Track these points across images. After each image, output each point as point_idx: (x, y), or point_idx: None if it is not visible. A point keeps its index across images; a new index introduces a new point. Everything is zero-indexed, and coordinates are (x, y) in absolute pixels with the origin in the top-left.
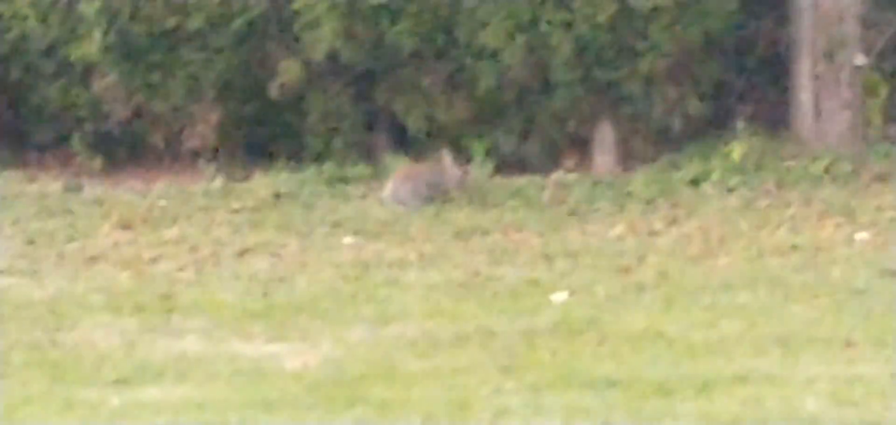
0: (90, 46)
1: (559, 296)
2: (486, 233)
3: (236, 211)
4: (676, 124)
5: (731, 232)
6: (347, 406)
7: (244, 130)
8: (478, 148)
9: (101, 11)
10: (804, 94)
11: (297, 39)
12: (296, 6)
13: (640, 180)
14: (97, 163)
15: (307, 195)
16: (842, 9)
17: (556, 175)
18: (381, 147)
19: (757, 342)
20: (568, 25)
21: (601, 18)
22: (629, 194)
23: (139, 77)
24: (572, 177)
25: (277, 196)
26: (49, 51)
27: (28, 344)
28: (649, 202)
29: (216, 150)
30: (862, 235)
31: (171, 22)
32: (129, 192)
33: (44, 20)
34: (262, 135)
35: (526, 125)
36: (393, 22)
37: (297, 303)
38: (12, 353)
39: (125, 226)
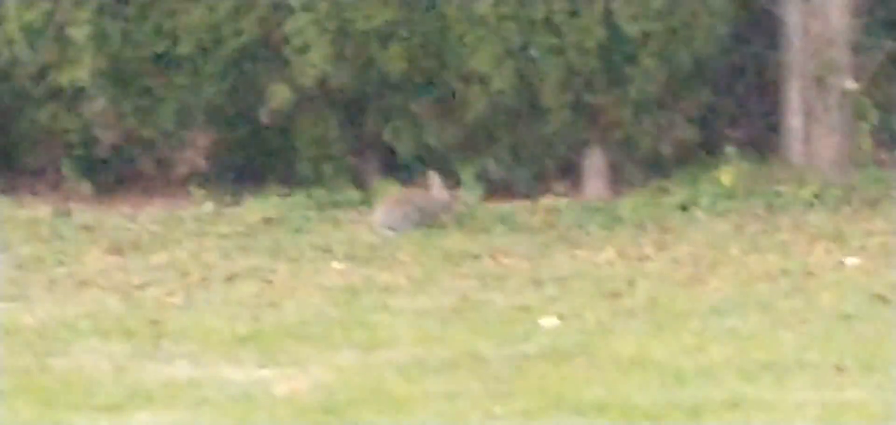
0: (80, 71)
1: (549, 322)
2: (475, 258)
3: (226, 236)
4: (666, 149)
5: (720, 257)
6: None
7: (234, 155)
8: (467, 173)
9: (91, 36)
10: (794, 119)
11: (286, 64)
12: (286, 31)
13: (629, 205)
14: (87, 187)
15: (297, 220)
16: (832, 34)
17: (546, 200)
18: (370, 172)
19: (746, 367)
20: (558, 51)
21: (590, 44)
22: (619, 219)
23: (129, 102)
24: (562, 202)
25: (267, 221)
26: (39, 75)
27: (18, 369)
28: (639, 227)
29: (206, 175)
30: (852, 260)
31: (161, 47)
32: (119, 217)
33: (33, 45)
34: (253, 159)
35: (515, 150)
36: (383, 47)
37: (287, 328)
38: (2, 379)
39: (115, 251)
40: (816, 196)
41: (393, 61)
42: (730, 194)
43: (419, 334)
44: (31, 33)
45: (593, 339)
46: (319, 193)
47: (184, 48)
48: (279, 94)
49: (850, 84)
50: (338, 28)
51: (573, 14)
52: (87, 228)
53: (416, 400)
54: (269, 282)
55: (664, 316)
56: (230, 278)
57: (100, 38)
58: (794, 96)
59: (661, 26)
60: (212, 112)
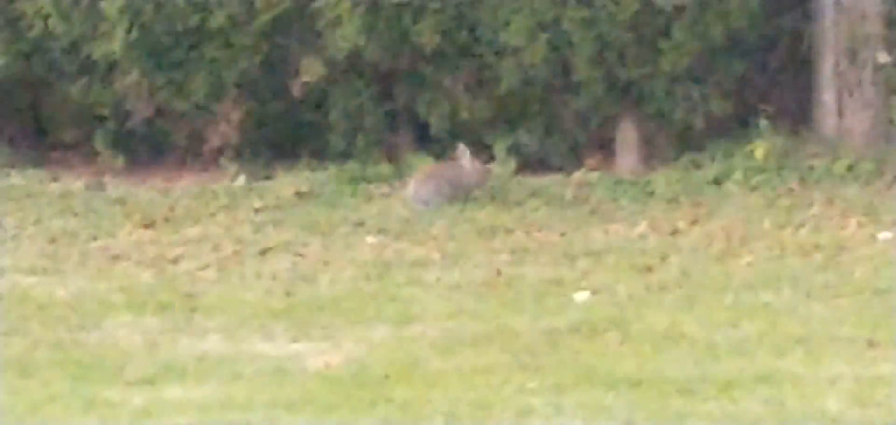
0: (113, 44)
1: (581, 296)
2: (508, 232)
3: (259, 210)
4: (699, 123)
5: (753, 231)
6: (370, 405)
7: (267, 129)
8: (500, 146)
9: (123, 9)
10: (827, 93)
11: (319, 37)
12: (318, 4)
13: (662, 179)
14: (119, 161)
15: (329, 194)
16: (865, 7)
17: (579, 174)
18: (403, 146)
19: (779, 342)
20: (590, 23)
21: (623, 17)
22: (652, 193)
23: (162, 75)
24: (595, 176)
25: (300, 195)
26: (71, 48)
27: (51, 343)
28: (672, 201)
29: (238, 149)
30: (885, 234)
31: (194, 20)
32: (152, 191)
33: (66, 18)
34: (285, 133)
35: (548, 124)
36: (415, 20)
37: (320, 303)
38: (35, 352)
39: (147, 224)
40: (849, 169)
41: (425, 34)
42: (763, 168)
43: (451, 308)
44: (64, 6)
45: (626, 313)
46: (352, 167)
47: (216, 21)
48: (312, 68)
49: (884, 57)
50: (370, 1)
51: None
52: (119, 202)
53: (448, 374)
54: (302, 256)
55: (697, 290)
56: (263, 252)
57: (132, 11)
58: (827, 69)
59: None
60: (244, 85)
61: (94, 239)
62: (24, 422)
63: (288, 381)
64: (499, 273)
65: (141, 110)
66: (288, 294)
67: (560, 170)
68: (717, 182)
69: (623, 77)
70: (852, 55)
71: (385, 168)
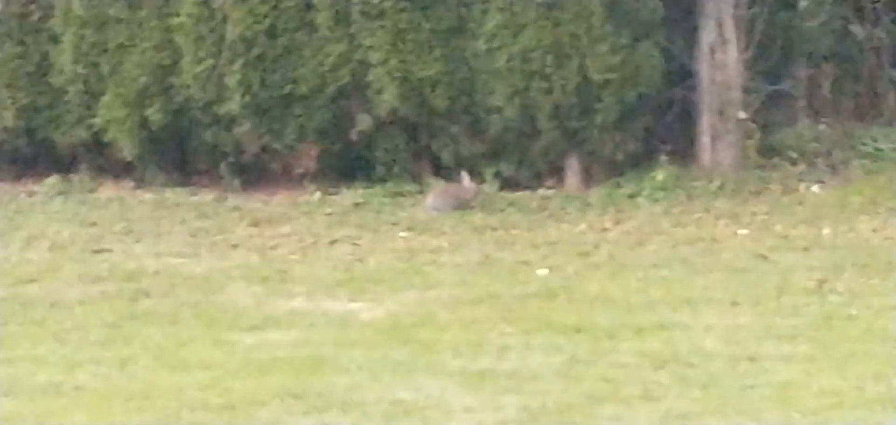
0: (232, 105)
1: (542, 272)
2: (494, 229)
3: (329, 214)
4: (621, 157)
5: (656, 229)
6: (402, 343)
7: (334, 161)
8: (488, 172)
9: (240, 82)
10: (704, 137)
11: (368, 101)
12: (368, 78)
13: (596, 195)
14: (236, 183)
15: (375, 204)
16: (729, 81)
17: (541, 191)
18: (424, 172)
19: (673, 302)
20: (548, 91)
21: (570, 87)
22: (589, 204)
23: (265, 125)
24: (551, 192)
25: (356, 205)
26: (204, 108)
27: (191, 302)
28: (602, 209)
29: (315, 175)
30: (743, 231)
31: (287, 89)
32: (258, 202)
33: (202, 88)
34: (346, 164)
35: (520, 158)
36: (433, 89)
37: (369, 276)
38: (181, 309)
39: (254, 224)
40: (720, 188)
41: (439, 99)
42: (663, 187)
43: (456, 280)
44: (200, 80)
45: (571, 283)
46: (390, 187)
47: (300, 89)
48: (364, 121)
49: (742, 114)
50: (403, 77)
51: (559, 67)
52: (236, 209)
53: (453, 323)
54: (357, 245)
55: (618, 268)
56: (332, 243)
57: (246, 83)
58: (705, 122)
59: (617, 75)
60: (320, 132)
61: (219, 233)
62: (177, 355)
63: (347, 328)
64: (487, 257)
65: (251, 148)
66: (347, 270)
67: (528, 188)
68: (632, 196)
69: (570, 126)
70: (721, 113)
71: (412, 187)
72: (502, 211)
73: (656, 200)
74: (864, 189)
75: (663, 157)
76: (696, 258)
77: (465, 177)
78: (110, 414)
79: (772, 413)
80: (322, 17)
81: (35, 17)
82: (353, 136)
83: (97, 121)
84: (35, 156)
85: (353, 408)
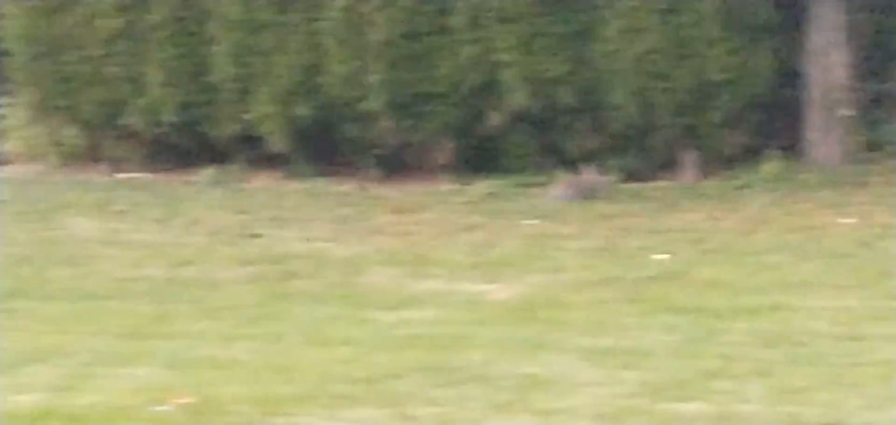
0: (374, 102)
1: (660, 257)
2: (615, 217)
3: (463, 203)
4: (733, 151)
5: (766, 218)
6: (530, 322)
7: (468, 154)
8: (610, 165)
9: (382, 82)
10: (812, 133)
11: (500, 99)
12: (500, 78)
13: (710, 186)
14: (378, 173)
15: (506, 194)
16: (836, 81)
17: (659, 183)
18: (550, 164)
19: (782, 285)
20: (667, 90)
21: (687, 86)
22: (703, 195)
23: (404, 121)
24: (668, 184)
25: (489, 195)
26: (348, 105)
27: (335, 283)
28: (716, 199)
29: (451, 167)
30: (847, 220)
31: (425, 87)
32: (397, 192)
33: (346, 86)
34: (480, 157)
35: (640, 151)
36: (560, 88)
37: (500, 260)
38: (326, 289)
39: (394, 212)
40: (825, 181)
41: (566, 97)
42: (772, 180)
43: (581, 264)
44: (345, 80)
45: (687, 268)
46: (519, 178)
47: (438, 88)
48: (495, 118)
49: (847, 111)
50: (531, 77)
51: (677, 68)
52: (377, 198)
53: (578, 304)
54: (489, 232)
55: (731, 254)
56: (465, 229)
57: (387, 83)
58: (812, 119)
59: (732, 75)
60: (455, 128)
61: (362, 220)
62: (323, 332)
63: (480, 308)
64: (609, 243)
65: (391, 143)
66: (480, 254)
67: (647, 180)
68: (743, 188)
69: (687, 123)
70: (828, 110)
71: (540, 178)
72: (623, 201)
73: (766, 192)
74: None
75: (772, 152)
76: (803, 245)
77: (589, 169)
78: (263, 385)
79: (877, 388)
80: (457, 21)
81: (192, 23)
82: (487, 132)
83: (250, 116)
84: (193, 148)
85: (486, 382)
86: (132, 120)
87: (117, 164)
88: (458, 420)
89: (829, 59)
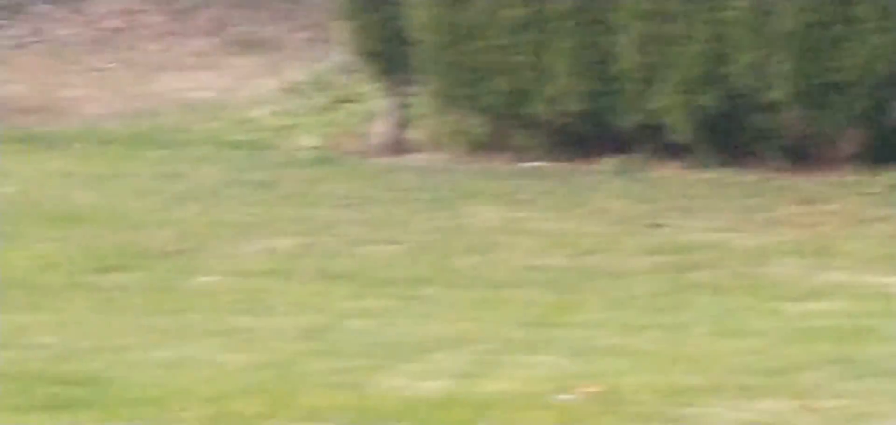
0: (779, 92)
1: None
2: None
3: (868, 195)
4: None
5: None
6: None
7: (874, 144)
8: None
9: (789, 71)
10: None
11: None
12: None
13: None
14: (782, 163)
15: None
16: None
17: None
18: None
19: None
20: None
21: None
22: None
23: (810, 111)
24: None
25: (893, 186)
26: (753, 94)
27: (737, 273)
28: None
29: (855, 157)
30: None
31: (831, 77)
32: (801, 182)
33: (751, 76)
34: (885, 147)
35: None
36: None
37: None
38: (728, 280)
39: (799, 203)
40: None
41: None
42: None
43: None
44: (750, 70)
45: None
46: None
47: (845, 77)
48: None
49: None
50: None
51: None
52: (781, 189)
53: None
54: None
55: None
56: (874, 220)
57: (793, 73)
58: None
59: None
60: (861, 118)
61: (765, 211)
62: (726, 323)
63: (889, 301)
64: None
65: (795, 133)
66: (886, 246)
67: None
68: None
69: None
70: None
71: None
72: None
73: None
74: None
75: None
76: None
77: None
78: (667, 375)
79: None
80: (864, 11)
81: (597, 11)
82: (891, 122)
83: (654, 106)
84: (595, 137)
85: (894, 377)
86: (537, 109)
87: (521, 154)
88: (865, 414)
89: None
